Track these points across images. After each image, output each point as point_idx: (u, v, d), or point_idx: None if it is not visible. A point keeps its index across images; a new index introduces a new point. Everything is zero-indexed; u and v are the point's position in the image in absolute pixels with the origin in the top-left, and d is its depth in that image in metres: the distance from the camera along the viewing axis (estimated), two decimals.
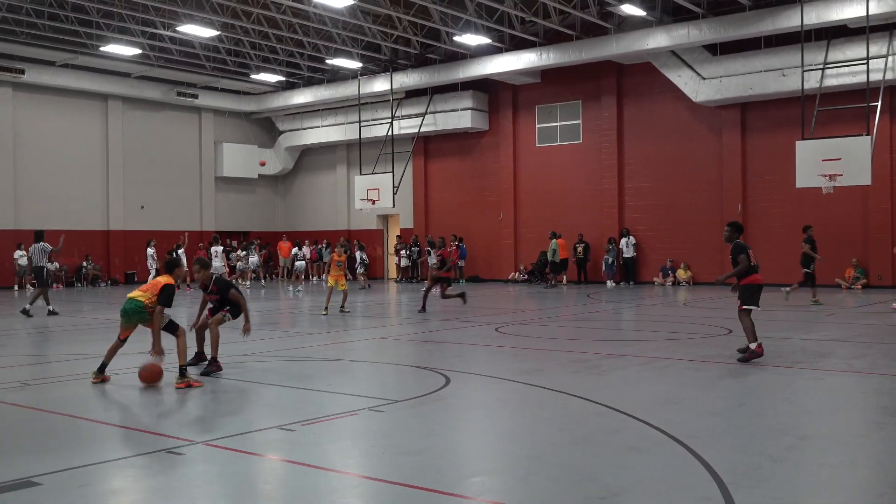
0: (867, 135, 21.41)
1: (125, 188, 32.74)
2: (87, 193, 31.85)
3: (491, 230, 31.85)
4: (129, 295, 9.17)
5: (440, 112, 31.92)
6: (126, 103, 32.72)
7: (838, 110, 23.56)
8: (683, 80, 26.42)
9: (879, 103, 22.65)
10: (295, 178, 38.13)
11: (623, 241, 28.22)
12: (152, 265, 26.71)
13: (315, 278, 32.71)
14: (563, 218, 29.84)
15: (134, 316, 9.10)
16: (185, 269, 9.62)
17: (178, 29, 26.48)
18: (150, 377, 8.99)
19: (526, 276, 30.26)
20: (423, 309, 18.12)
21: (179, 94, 33.19)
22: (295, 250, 31.65)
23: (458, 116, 31.44)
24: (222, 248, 26.63)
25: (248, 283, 29.30)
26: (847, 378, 9.39)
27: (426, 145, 33.57)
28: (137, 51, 28.81)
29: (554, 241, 28.17)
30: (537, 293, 25.24)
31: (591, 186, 29.51)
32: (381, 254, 35.57)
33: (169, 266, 9.41)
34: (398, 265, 33.24)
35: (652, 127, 28.37)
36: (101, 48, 28.30)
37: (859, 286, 24.34)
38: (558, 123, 30.34)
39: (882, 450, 6.28)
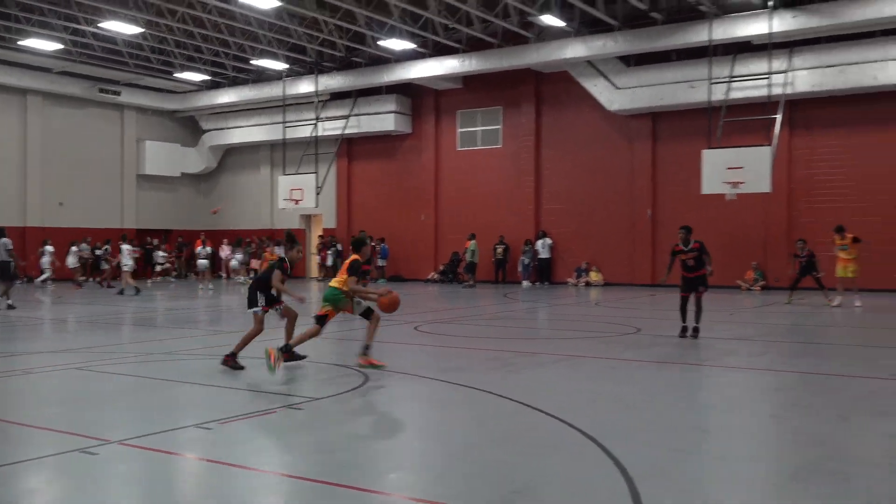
0: (768, 145, 22.16)
1: (43, 185, 31.53)
2: (3, 189, 30.62)
3: (413, 231, 31.81)
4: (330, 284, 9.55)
5: (364, 114, 31.72)
6: (46, 99, 31.52)
7: (742, 121, 24.24)
8: (599, 89, 26.84)
9: (779, 116, 23.41)
10: (218, 177, 37.39)
11: (539, 242, 28.50)
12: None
13: (242, 277, 32.13)
14: (483, 220, 29.99)
15: (339, 302, 9.45)
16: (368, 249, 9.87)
17: (100, 25, 25.64)
18: (392, 305, 9.45)
19: (440, 277, 30.37)
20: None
21: (101, 90, 32.16)
22: (199, 248, 30.96)
23: (382, 119, 31.30)
24: (130, 245, 25.62)
25: (209, 283, 28.31)
26: (749, 375, 9.64)
27: (350, 147, 33.32)
28: (59, 46, 27.79)
29: (473, 241, 28.29)
30: (454, 292, 25.25)
31: (510, 190, 29.72)
32: (304, 253, 35.16)
33: (357, 244, 9.72)
34: (321, 264, 32.98)
35: (569, 133, 28.74)
36: (21, 42, 27.19)
37: (758, 288, 25.12)
38: (479, 128, 30.49)
39: (781, 443, 6.46)
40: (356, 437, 6.59)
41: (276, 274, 9.79)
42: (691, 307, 12.93)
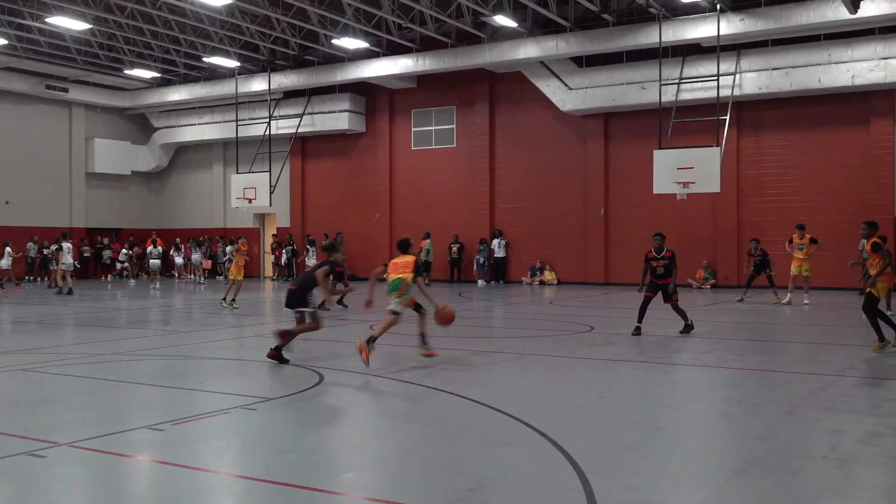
0: (717, 146, 22.52)
1: None
2: None
3: (367, 230, 31.69)
4: (391, 277, 10.51)
5: (318, 113, 31.52)
6: None
7: (692, 122, 24.60)
8: (552, 89, 27.03)
9: (728, 117, 23.80)
10: (170, 175, 36.83)
11: (495, 241, 28.61)
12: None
13: (197, 277, 31.71)
14: (438, 219, 30.01)
15: (396, 288, 10.43)
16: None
17: (47, 20, 25.09)
18: (447, 319, 10.49)
19: None
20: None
21: (49, 87, 31.45)
22: (150, 248, 30.54)
23: (336, 118, 31.14)
24: (70, 244, 25.11)
25: (156, 284, 27.81)
26: (697, 372, 9.79)
27: (304, 145, 33.10)
28: (3, 41, 27.12)
29: (428, 241, 28.29)
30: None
31: (464, 189, 29.80)
32: (258, 252, 34.87)
33: (405, 247, 10.88)
34: (275, 264, 32.70)
35: (522, 133, 28.90)
36: None
37: (708, 286, 25.50)
38: (433, 128, 30.50)
39: (729, 438, 6.57)
40: (310, 437, 6.54)
41: (323, 279, 10.38)
42: (674, 311, 13.49)
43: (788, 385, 8.70)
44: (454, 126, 30.08)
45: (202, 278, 31.38)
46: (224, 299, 19.00)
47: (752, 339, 13.22)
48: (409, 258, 10.78)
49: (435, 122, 30.46)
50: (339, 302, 18.50)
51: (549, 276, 28.04)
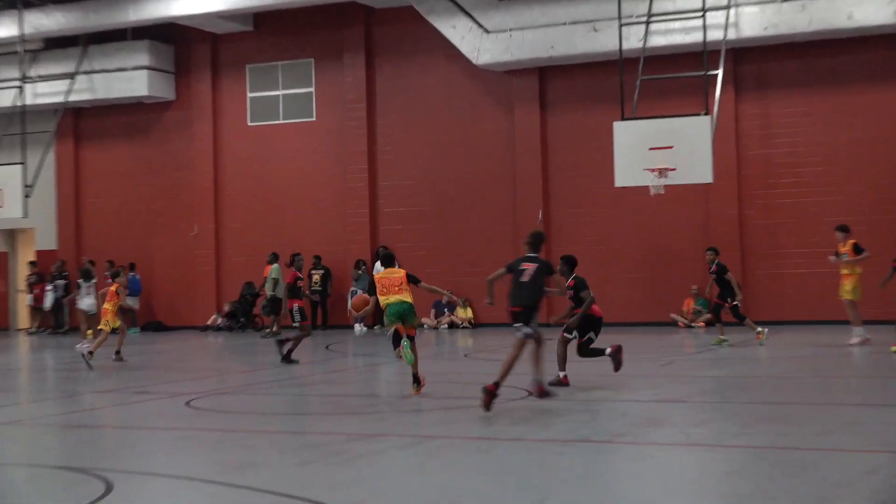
0: (706, 114, 22.82)
1: None
2: None
3: (180, 252, 31.22)
4: (393, 300, 14.17)
5: (100, 72, 30.94)
6: None
7: (668, 81, 24.94)
8: (459, 32, 27.22)
9: (721, 71, 24.08)
10: None
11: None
12: None
13: None
14: (290, 232, 29.78)
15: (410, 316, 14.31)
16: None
17: None
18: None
19: (226, 322, 29.90)
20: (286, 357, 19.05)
21: None
22: None
23: (129, 79, 30.64)
24: None
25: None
26: (686, 454, 9.82)
27: (78, 122, 32.54)
28: None
29: (275, 266, 27.95)
30: (248, 345, 25.02)
31: (330, 185, 29.68)
32: (5, 290, 33.84)
33: (390, 260, 15.54)
34: (33, 307, 31.83)
35: (417, 99, 28.94)
36: None
37: (701, 323, 25.82)
38: (280, 92, 30.32)
39: None
40: None
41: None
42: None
43: (818, 469, 8.78)
44: (312, 89, 29.94)
45: None
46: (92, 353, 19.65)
47: (761, 400, 13.42)
48: (400, 272, 14.35)
49: (283, 84, 30.28)
50: (286, 358, 19.05)
51: (462, 314, 28.06)
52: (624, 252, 26.94)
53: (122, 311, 30.38)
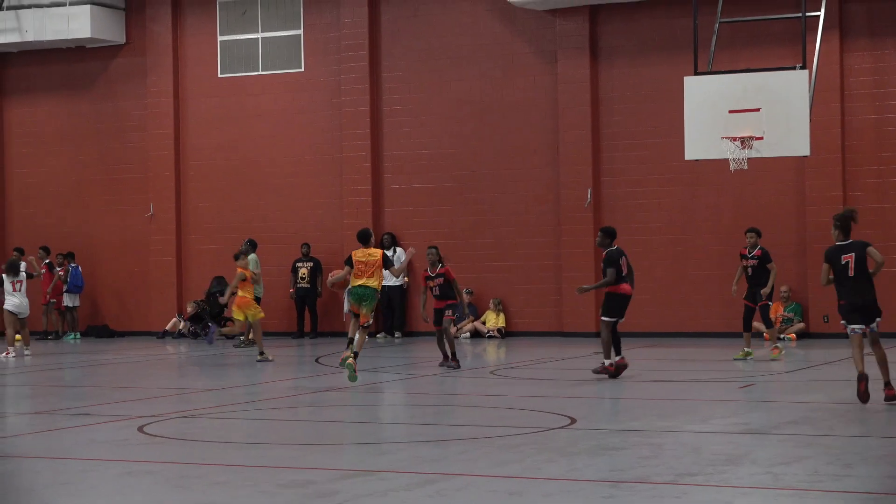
0: (802, 67, 22.76)
1: None
2: None
3: (132, 239, 31.26)
4: (358, 283, 17.63)
5: (28, 7, 30.87)
6: None
7: (755, 23, 24.94)
8: None
9: (822, 12, 24.04)
10: None
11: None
12: None
13: None
14: (272, 215, 29.86)
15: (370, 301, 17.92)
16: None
17: None
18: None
19: (190, 327, 29.84)
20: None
21: None
22: None
23: (67, 16, 30.53)
24: None
25: None
26: (772, 501, 9.76)
27: (3, 72, 32.67)
28: None
29: (252, 256, 27.90)
30: (217, 356, 25.10)
31: (322, 156, 29.65)
32: None
33: (366, 238, 18.34)
34: None
35: (433, 46, 28.83)
36: None
37: (792, 334, 25.76)
38: (260, 35, 30.25)
39: None
40: None
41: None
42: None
43: None
44: (301, 32, 29.90)
45: None
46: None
47: (867, 433, 13.26)
48: (376, 253, 17.74)
49: (263, 25, 30.24)
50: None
51: (491, 319, 27.98)
52: (697, 244, 26.78)
53: (60, 313, 30.77)
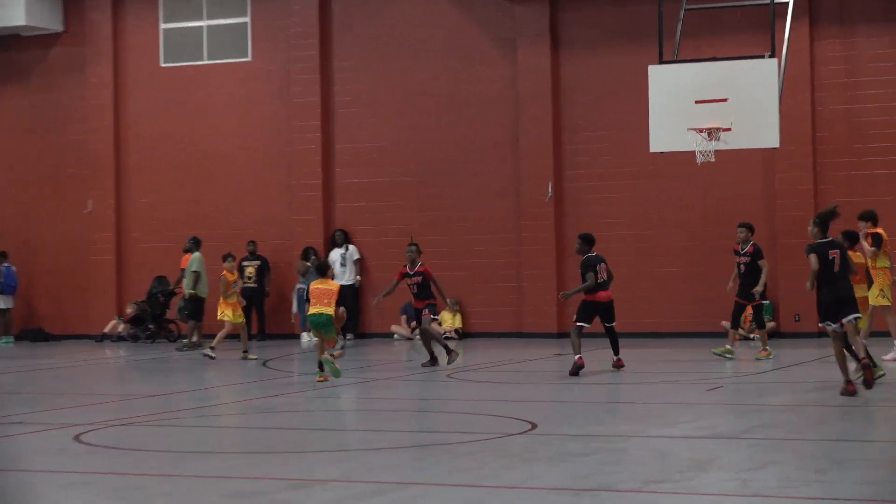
0: (771, 56, 22.83)
1: None
2: None
3: (69, 237, 31.14)
4: (314, 310, 18.85)
5: None
6: None
7: (722, 10, 24.98)
8: None
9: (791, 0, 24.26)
10: None
11: (335, 254, 28.52)
12: None
13: None
14: (216, 211, 29.80)
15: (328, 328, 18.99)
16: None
17: None
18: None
19: (130, 329, 29.72)
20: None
21: None
22: None
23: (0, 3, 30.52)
24: None
25: None
26: None
27: None
28: None
29: (196, 255, 27.82)
30: (160, 360, 25.02)
31: (270, 149, 29.64)
32: None
33: (323, 269, 19.85)
34: None
35: (388, 35, 28.79)
36: None
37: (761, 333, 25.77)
38: (205, 23, 30.21)
39: None
40: None
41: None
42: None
43: None
44: (248, 19, 29.86)
45: None
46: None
47: (837, 437, 13.33)
48: (333, 286, 19.12)
49: (209, 12, 30.20)
50: None
51: (447, 320, 27.99)
52: (662, 240, 26.88)
53: None
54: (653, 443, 12.94)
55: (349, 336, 28.34)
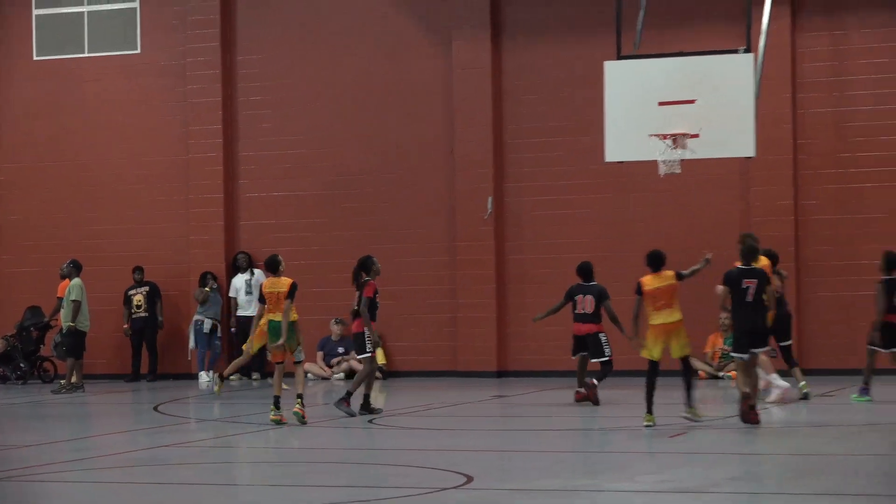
0: (747, 51, 23.02)
1: None
2: None
3: None
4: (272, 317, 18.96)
5: None
6: None
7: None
8: None
9: None
10: None
11: (240, 280, 28.58)
12: None
13: None
14: (99, 229, 29.58)
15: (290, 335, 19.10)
16: None
17: None
18: None
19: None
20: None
21: None
22: None
23: None
24: None
25: None
26: None
27: None
28: None
29: (76, 281, 27.73)
30: (32, 405, 24.99)
31: (163, 156, 29.47)
32: None
33: (274, 265, 19.65)
34: None
35: (302, 24, 28.80)
36: None
37: (732, 371, 25.69)
38: (86, 8, 30.05)
39: None
40: None
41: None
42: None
43: None
44: (136, 5, 29.69)
45: None
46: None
47: (822, 490, 13.56)
48: (283, 284, 18.96)
49: None
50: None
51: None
52: (620, 263, 26.78)
53: None
54: (607, 498, 13.01)
55: (255, 376, 28.34)
